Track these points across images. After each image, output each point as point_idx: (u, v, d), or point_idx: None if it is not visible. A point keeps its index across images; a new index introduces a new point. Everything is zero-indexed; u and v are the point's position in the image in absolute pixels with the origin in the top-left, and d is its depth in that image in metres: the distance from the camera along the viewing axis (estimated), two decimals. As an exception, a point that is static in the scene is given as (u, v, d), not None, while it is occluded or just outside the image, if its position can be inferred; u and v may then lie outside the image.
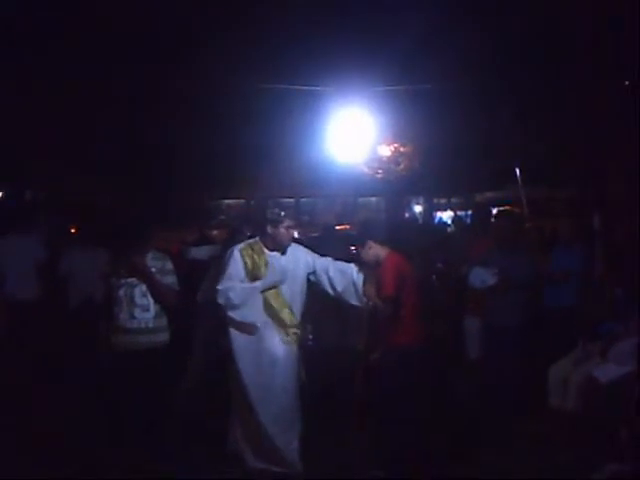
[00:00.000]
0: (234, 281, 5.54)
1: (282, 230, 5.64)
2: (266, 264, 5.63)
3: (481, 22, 9.08)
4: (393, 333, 5.56)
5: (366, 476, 5.42)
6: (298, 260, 5.77)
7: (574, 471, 5.24)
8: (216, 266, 6.83)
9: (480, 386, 6.68)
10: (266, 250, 5.68)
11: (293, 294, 5.69)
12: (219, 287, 5.53)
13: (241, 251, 5.65)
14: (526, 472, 5.35)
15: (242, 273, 5.58)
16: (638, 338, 5.72)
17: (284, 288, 5.64)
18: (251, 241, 5.79)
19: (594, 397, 5.71)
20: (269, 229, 5.66)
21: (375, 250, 5.68)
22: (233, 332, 5.57)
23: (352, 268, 5.74)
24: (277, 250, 5.69)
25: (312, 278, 5.80)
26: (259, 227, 5.82)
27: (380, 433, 5.54)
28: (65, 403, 6.58)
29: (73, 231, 10.08)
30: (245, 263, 5.60)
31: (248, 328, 5.53)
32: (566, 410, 5.97)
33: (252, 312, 5.55)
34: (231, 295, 5.49)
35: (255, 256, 5.65)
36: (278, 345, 5.56)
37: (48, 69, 9.63)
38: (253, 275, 5.59)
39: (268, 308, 5.59)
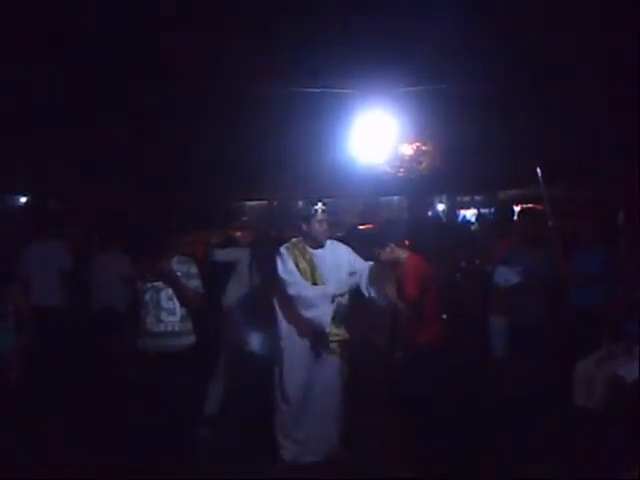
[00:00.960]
0: (295, 278, 5.62)
1: (316, 225, 5.71)
2: (312, 264, 5.70)
3: (502, 22, 9.03)
4: (416, 332, 5.59)
5: (397, 476, 5.44)
6: (341, 258, 5.84)
7: (600, 471, 5.21)
8: (242, 268, 6.89)
9: (505, 385, 6.68)
10: (309, 249, 5.75)
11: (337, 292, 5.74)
12: (290, 291, 5.59)
13: (287, 250, 5.73)
14: (552, 472, 5.34)
15: (295, 271, 5.66)
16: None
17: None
18: (294, 240, 5.86)
19: (620, 396, 5.69)
20: (304, 226, 5.72)
21: (396, 253, 5.71)
22: (286, 334, 5.67)
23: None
24: (318, 247, 5.75)
25: (351, 280, 5.85)
26: (299, 226, 5.87)
27: (408, 432, 5.58)
28: (94, 408, 6.65)
29: (97, 237, 10.17)
30: (295, 262, 5.69)
31: (318, 327, 5.62)
32: (591, 409, 5.95)
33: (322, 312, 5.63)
34: (305, 293, 5.58)
35: (300, 255, 5.72)
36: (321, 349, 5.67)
37: (64, 74, 9.71)
38: (303, 273, 5.67)
39: None
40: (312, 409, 5.63)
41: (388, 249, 5.71)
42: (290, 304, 5.65)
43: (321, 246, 5.78)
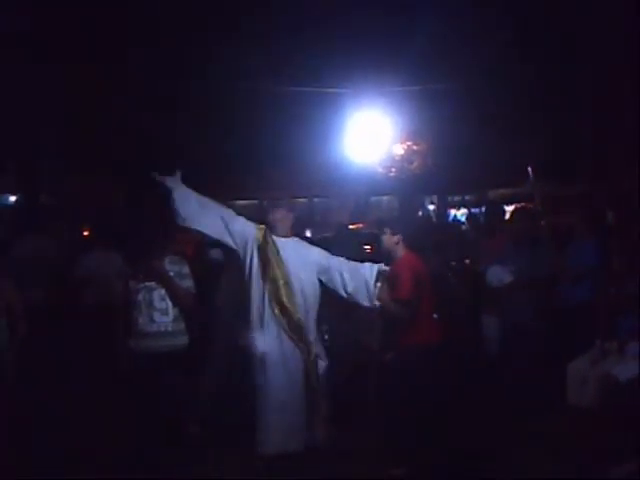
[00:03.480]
0: None
1: (278, 215, 5.59)
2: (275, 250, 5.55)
3: (494, 22, 9.08)
4: (408, 333, 5.57)
5: (383, 475, 5.44)
6: (307, 256, 5.63)
7: (593, 469, 5.23)
8: (233, 267, 6.86)
9: (498, 384, 6.69)
10: (274, 236, 5.59)
11: (305, 295, 5.56)
12: None
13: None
14: (544, 471, 5.36)
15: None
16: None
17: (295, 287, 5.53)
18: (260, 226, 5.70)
19: (613, 395, 5.70)
20: (269, 215, 5.63)
21: (392, 240, 5.70)
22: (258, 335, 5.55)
23: (365, 268, 5.54)
24: (281, 236, 5.60)
25: (324, 279, 5.61)
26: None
27: (395, 432, 5.56)
28: (85, 407, 6.63)
29: (87, 233, 10.11)
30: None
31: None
32: (584, 408, 5.96)
33: None
34: None
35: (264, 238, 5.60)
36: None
37: (55, 70, 9.67)
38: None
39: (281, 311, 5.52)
40: (288, 402, 5.54)
41: (395, 239, 5.70)
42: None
43: (283, 236, 5.62)
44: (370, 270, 5.51)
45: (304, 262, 5.60)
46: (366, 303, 5.54)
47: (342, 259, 5.69)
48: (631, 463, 5.11)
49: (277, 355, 5.51)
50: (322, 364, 5.58)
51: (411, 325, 5.56)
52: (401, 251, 5.72)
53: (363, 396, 6.29)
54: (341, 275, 5.56)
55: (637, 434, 5.22)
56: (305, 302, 5.53)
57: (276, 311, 5.47)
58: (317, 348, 5.59)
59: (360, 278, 5.52)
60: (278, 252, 5.57)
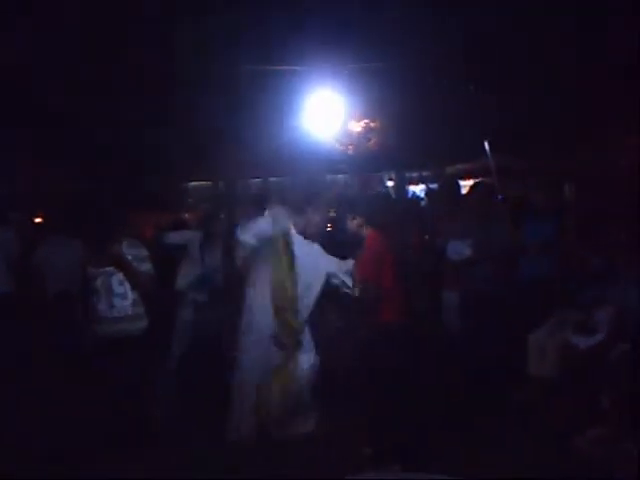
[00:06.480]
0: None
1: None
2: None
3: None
4: (373, 312, 5.60)
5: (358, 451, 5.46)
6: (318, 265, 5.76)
7: (555, 437, 5.33)
8: (194, 250, 6.81)
9: (459, 358, 6.74)
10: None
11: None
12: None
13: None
14: (507, 440, 5.43)
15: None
16: (614, 306, 5.81)
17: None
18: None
19: (573, 364, 5.80)
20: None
21: (355, 223, 5.72)
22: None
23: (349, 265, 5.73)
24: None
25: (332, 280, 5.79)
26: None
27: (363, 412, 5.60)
28: (45, 394, 6.53)
29: (42, 221, 9.93)
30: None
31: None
32: (545, 378, 6.05)
33: None
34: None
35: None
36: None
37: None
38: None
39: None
40: (271, 388, 5.58)
41: (356, 222, 5.72)
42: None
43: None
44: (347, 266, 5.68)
45: (314, 269, 5.69)
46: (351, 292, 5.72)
47: (336, 260, 5.78)
48: (592, 430, 5.20)
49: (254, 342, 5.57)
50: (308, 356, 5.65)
51: (375, 304, 5.58)
52: (365, 232, 5.75)
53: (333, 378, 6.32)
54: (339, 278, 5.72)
55: (597, 402, 5.32)
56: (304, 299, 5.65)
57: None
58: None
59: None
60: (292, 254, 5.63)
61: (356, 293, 5.64)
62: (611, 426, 5.09)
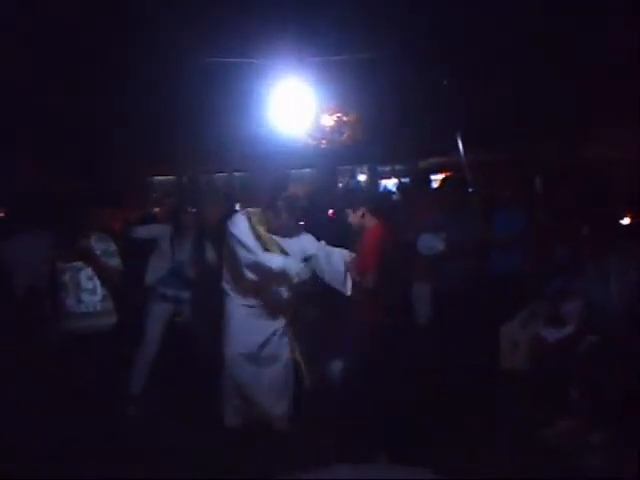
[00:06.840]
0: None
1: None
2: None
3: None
4: (361, 307, 5.63)
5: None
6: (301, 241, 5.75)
7: (526, 428, 5.35)
8: (164, 245, 6.75)
9: (431, 352, 6.75)
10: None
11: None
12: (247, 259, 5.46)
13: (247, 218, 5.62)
14: (479, 431, 5.45)
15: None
16: (582, 298, 5.85)
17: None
18: (252, 210, 5.74)
19: (543, 356, 5.83)
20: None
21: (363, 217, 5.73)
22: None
23: (336, 254, 5.61)
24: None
25: (309, 265, 5.72)
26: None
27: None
28: (12, 391, 6.44)
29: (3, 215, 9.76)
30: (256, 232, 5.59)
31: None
32: (517, 370, 6.08)
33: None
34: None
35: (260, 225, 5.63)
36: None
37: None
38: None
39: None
40: (256, 376, 5.58)
41: (359, 213, 5.73)
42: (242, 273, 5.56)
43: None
44: (339, 257, 5.58)
45: (292, 249, 5.66)
46: (342, 290, 5.61)
47: (322, 244, 5.74)
48: (562, 422, 5.23)
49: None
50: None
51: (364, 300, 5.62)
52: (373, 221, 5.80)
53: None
54: (320, 262, 5.66)
55: (566, 393, 5.36)
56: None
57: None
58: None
59: (333, 266, 5.60)
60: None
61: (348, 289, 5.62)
62: (580, 418, 5.12)
